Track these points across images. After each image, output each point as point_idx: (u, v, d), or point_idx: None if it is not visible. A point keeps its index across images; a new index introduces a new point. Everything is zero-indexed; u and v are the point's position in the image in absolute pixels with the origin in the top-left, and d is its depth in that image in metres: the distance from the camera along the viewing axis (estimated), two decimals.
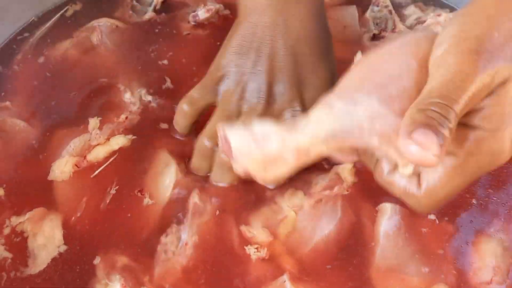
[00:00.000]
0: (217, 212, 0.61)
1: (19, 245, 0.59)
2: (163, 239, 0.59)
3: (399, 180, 0.47)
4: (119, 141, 0.66)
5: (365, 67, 0.45)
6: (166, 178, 0.63)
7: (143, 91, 0.70)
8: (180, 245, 0.59)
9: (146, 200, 0.62)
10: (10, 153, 0.66)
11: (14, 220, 0.61)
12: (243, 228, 0.60)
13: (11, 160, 0.65)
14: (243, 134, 0.47)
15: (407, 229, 0.58)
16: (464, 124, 0.42)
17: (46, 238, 0.59)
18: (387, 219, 0.59)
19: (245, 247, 0.58)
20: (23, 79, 0.73)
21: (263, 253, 0.58)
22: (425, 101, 0.40)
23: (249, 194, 0.62)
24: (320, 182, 0.62)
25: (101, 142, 0.66)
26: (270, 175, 0.47)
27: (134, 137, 0.67)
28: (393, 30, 0.76)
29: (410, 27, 0.77)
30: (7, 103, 0.70)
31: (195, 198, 0.61)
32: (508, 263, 0.57)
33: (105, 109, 0.69)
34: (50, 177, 0.64)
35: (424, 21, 0.76)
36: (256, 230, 0.59)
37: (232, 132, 0.47)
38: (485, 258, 0.57)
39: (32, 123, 0.68)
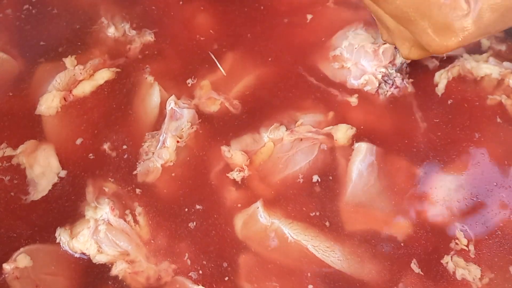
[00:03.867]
0: (197, 127, 0.64)
1: (18, 173, 0.62)
2: (144, 145, 0.63)
3: None
4: (104, 75, 0.68)
5: None
6: (152, 99, 0.66)
7: (127, 26, 0.71)
8: (158, 146, 0.63)
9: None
10: None
11: (8, 151, 0.63)
12: (223, 148, 0.63)
13: None
14: None
15: (379, 168, 0.62)
16: None
17: (43, 167, 0.62)
18: (362, 158, 0.62)
19: (227, 174, 0.62)
20: (3, 11, 0.73)
21: (246, 172, 0.62)
22: None
23: (233, 120, 0.65)
24: (305, 120, 0.65)
25: (85, 77, 0.67)
26: None
27: (118, 70, 0.68)
28: None
29: None
30: None
31: (171, 104, 0.64)
32: (460, 198, 0.61)
33: (88, 43, 0.70)
34: (37, 112, 0.66)
35: None
36: (234, 152, 0.63)
37: None
38: (439, 193, 0.61)
39: (14, 56, 0.69)
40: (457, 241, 0.58)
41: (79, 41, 0.70)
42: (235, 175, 0.62)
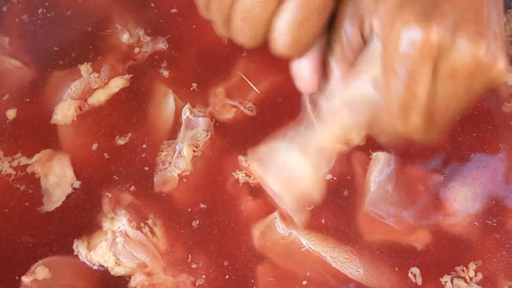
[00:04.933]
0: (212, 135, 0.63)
1: (33, 182, 0.62)
2: (161, 154, 0.63)
3: None
4: (118, 83, 0.67)
5: None
6: (166, 108, 0.65)
7: (141, 32, 0.70)
8: (175, 156, 0.62)
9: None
10: (4, 94, 0.67)
11: (23, 160, 0.63)
12: (240, 157, 0.63)
13: (7, 102, 0.66)
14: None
15: (397, 178, 0.61)
16: None
17: (58, 177, 0.62)
18: (380, 167, 0.61)
19: (233, 173, 0.62)
20: (16, 17, 0.72)
21: (251, 180, 0.62)
22: None
23: (248, 127, 0.65)
24: None
25: (100, 85, 0.66)
26: None
27: (131, 75, 0.68)
28: None
29: None
30: (3, 40, 0.70)
31: (186, 113, 0.64)
32: (477, 207, 0.61)
33: (103, 50, 0.69)
34: (53, 121, 0.65)
35: None
36: (252, 162, 0.62)
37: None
38: (457, 204, 0.61)
39: (27, 63, 0.69)
40: (464, 268, 0.58)
41: (91, 45, 0.69)
42: (240, 176, 0.62)
